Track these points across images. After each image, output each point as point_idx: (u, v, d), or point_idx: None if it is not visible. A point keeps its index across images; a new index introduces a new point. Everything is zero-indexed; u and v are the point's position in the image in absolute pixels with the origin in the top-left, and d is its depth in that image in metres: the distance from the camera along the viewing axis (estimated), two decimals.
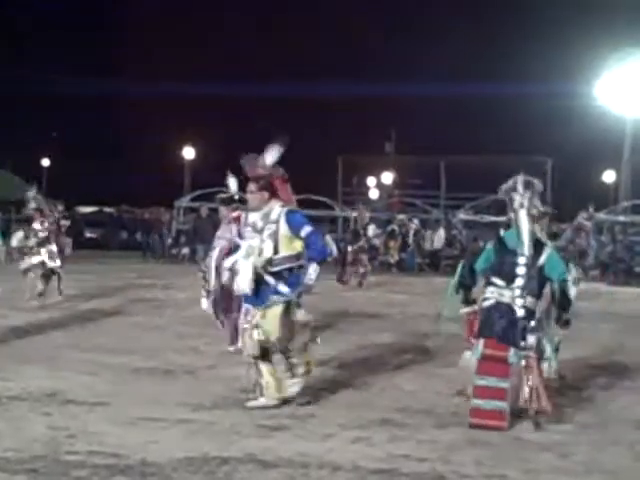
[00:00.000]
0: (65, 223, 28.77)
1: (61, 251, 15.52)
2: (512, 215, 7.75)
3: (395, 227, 30.90)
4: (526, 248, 7.53)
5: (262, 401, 7.77)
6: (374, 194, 42.64)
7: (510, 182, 7.84)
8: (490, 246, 7.81)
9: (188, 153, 42.61)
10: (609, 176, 39.76)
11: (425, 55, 42.76)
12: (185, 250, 28.68)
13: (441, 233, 30.66)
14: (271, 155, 8.25)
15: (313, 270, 7.79)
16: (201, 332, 12.10)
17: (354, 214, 26.93)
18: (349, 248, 21.67)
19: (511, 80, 38.76)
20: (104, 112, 44.18)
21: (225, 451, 6.25)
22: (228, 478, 5.69)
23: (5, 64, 40.74)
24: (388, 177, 40.88)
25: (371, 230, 23.38)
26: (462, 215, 32.52)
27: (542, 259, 7.56)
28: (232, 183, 10.58)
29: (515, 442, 6.86)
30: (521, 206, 7.68)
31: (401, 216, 32.42)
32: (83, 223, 34.60)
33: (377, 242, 31.31)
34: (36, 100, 44.35)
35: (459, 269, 8.03)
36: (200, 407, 7.63)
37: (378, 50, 44.79)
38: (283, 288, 7.78)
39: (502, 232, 7.98)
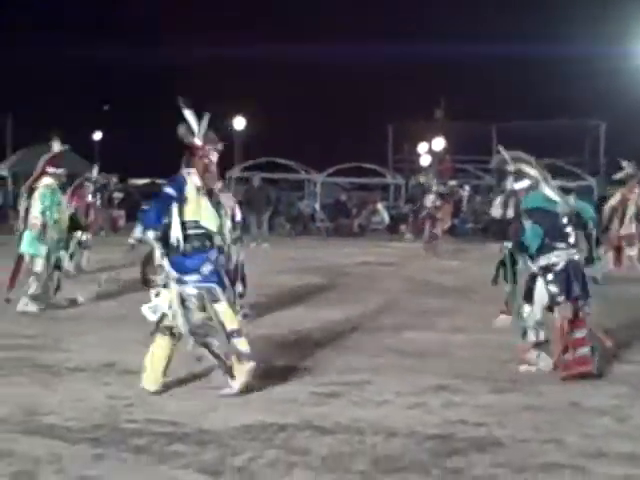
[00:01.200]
0: (118, 196, 29.02)
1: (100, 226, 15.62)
2: (531, 182, 8.17)
3: (447, 193, 30.72)
4: (563, 206, 7.93)
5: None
6: (425, 161, 42.43)
7: (504, 155, 8.43)
8: (530, 224, 7.87)
9: (239, 123, 42.70)
10: None
11: (472, 20, 42.30)
12: None
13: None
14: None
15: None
16: (252, 301, 12.18)
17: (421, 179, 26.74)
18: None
19: (561, 42, 38.25)
20: (155, 82, 44.32)
21: (282, 418, 6.31)
22: (285, 444, 5.75)
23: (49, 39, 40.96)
24: (439, 143, 40.59)
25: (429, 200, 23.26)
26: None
27: (574, 206, 8.04)
28: None
29: (572, 407, 6.84)
30: (536, 172, 8.14)
31: (452, 182, 32.22)
32: (138, 195, 34.91)
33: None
34: (85, 73, 44.67)
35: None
36: (255, 375, 7.69)
37: (426, 15, 44.34)
38: None
39: (524, 202, 8.19)
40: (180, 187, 7.29)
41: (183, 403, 6.75)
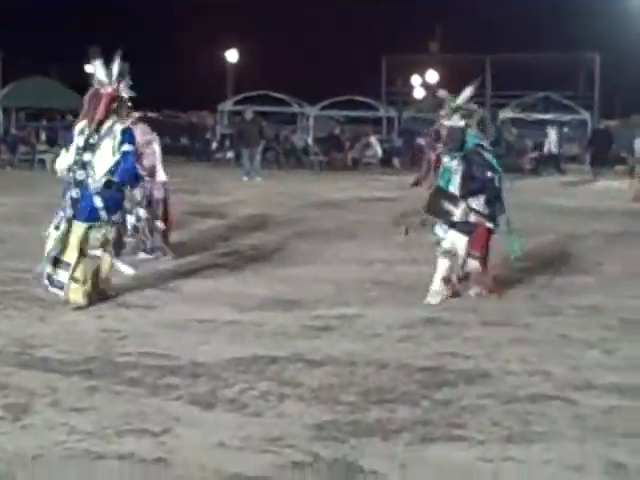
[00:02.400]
0: None
1: None
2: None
3: (439, 128, 30.57)
4: None
5: None
6: (419, 94, 42.15)
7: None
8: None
9: (231, 56, 42.29)
10: None
11: None
12: (230, 154, 28.70)
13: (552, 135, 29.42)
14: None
15: None
16: (246, 235, 12.23)
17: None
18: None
19: None
20: (147, 17, 43.80)
21: (273, 351, 6.38)
22: (277, 377, 5.82)
23: None
24: (433, 76, 40.26)
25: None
26: (509, 113, 32.09)
27: None
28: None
29: (560, 339, 6.91)
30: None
31: None
32: None
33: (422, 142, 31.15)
34: (78, 6, 44.07)
35: None
36: (247, 309, 7.76)
37: None
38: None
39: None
40: None
41: (176, 336, 6.81)
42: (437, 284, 8.14)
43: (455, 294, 8.27)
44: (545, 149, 28.93)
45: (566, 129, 31.47)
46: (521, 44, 35.46)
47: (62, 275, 7.71)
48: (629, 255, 11.06)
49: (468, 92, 8.31)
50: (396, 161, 29.49)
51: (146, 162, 10.13)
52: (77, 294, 7.70)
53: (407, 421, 5.03)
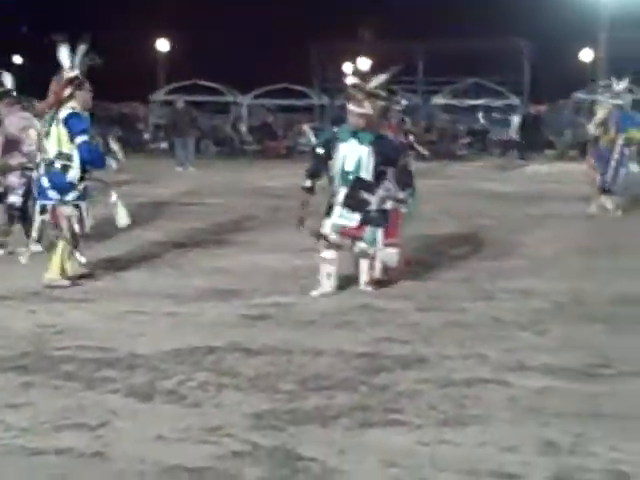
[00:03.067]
0: None
1: None
2: None
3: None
4: None
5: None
6: (351, 81, 42.29)
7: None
8: None
9: (162, 45, 41.97)
10: (586, 55, 39.43)
11: None
12: (164, 144, 28.53)
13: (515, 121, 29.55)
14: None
15: None
16: (182, 226, 12.19)
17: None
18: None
19: None
20: (75, 6, 43.20)
21: (210, 341, 6.38)
22: (215, 367, 5.82)
23: None
24: (364, 63, 40.40)
25: None
26: (441, 100, 32.37)
27: None
28: (7, 79, 10.25)
29: (494, 322, 7.02)
30: None
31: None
32: None
33: None
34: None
35: None
36: (184, 300, 7.75)
37: None
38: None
39: None
40: None
41: (113, 329, 6.77)
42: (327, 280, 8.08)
43: (388, 281, 8.30)
44: (507, 135, 29.23)
45: (496, 114, 31.86)
46: (452, 31, 35.77)
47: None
48: (560, 238, 11.27)
49: (381, 78, 8.19)
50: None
51: (25, 148, 9.91)
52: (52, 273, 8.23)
53: (345, 407, 5.08)
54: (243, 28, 41.10)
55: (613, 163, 13.81)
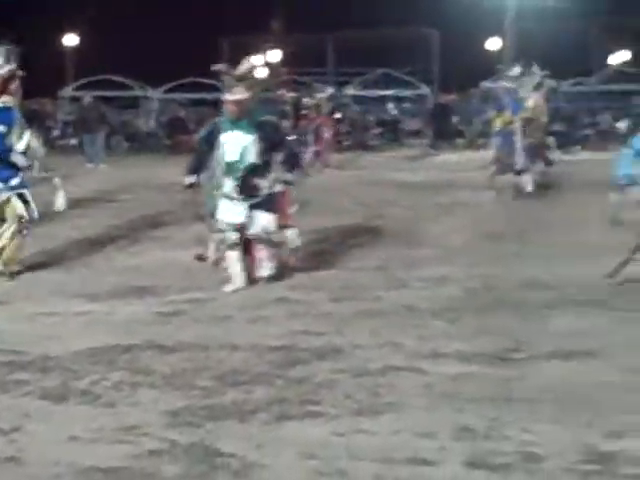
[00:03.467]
0: None
1: None
2: None
3: (286, 107, 30.74)
4: None
5: None
6: (262, 73, 42.21)
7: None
8: None
9: (70, 40, 41.26)
10: (493, 44, 39.95)
11: None
12: (73, 141, 28.11)
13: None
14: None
15: None
16: (95, 224, 12.05)
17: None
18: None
19: None
20: None
21: (124, 340, 6.31)
22: (129, 365, 5.77)
23: None
24: (276, 55, 40.36)
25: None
26: (351, 91, 32.51)
27: None
28: None
29: (407, 310, 7.10)
30: None
31: (291, 94, 32.23)
32: None
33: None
34: None
35: None
36: (97, 298, 7.66)
37: None
38: None
39: None
40: None
41: (24, 331, 6.66)
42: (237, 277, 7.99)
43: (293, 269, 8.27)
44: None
45: (407, 104, 32.16)
46: (362, 21, 35.91)
47: None
48: (469, 226, 11.43)
49: (249, 63, 8.16)
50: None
51: None
52: None
53: (262, 401, 5.08)
54: (153, 21, 40.67)
55: (517, 144, 14.19)
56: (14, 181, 8.56)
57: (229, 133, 7.94)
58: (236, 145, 7.89)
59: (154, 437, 4.58)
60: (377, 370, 5.59)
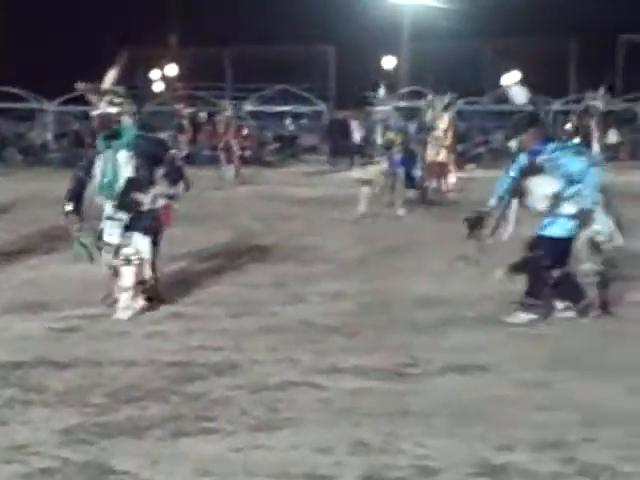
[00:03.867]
0: None
1: None
2: None
3: (184, 122, 30.60)
4: None
5: None
6: (159, 87, 41.94)
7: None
8: None
9: None
10: (388, 62, 40.50)
11: None
12: None
13: None
14: None
15: None
16: None
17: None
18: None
19: None
20: None
21: (17, 356, 6.19)
22: (21, 382, 5.65)
23: None
24: (172, 69, 40.14)
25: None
26: (249, 106, 32.52)
27: None
28: None
29: (305, 326, 7.12)
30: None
31: (188, 110, 32.10)
32: None
33: (165, 136, 30.94)
34: None
35: None
36: None
37: None
38: None
39: None
40: None
41: None
42: (124, 299, 7.52)
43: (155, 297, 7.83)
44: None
45: (304, 120, 32.32)
46: (260, 37, 36.00)
47: None
48: (364, 241, 11.53)
49: (111, 75, 7.87)
50: None
51: None
52: None
53: (157, 417, 5.03)
54: (50, 33, 40.05)
55: (418, 162, 14.60)
56: None
57: (104, 153, 7.67)
58: (110, 163, 7.60)
59: (45, 456, 4.49)
60: (275, 385, 5.59)
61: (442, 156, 17.15)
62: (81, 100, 33.50)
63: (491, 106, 28.40)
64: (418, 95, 32.19)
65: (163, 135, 31.13)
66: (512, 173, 7.46)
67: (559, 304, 7.36)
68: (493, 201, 7.54)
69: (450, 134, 17.54)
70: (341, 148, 26.87)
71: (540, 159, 7.31)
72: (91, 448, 4.59)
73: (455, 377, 5.79)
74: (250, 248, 11.00)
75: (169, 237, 11.64)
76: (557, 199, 7.21)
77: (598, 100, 15.54)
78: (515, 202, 7.42)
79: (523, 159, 7.44)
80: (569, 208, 7.20)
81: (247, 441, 4.68)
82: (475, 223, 7.51)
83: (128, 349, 6.43)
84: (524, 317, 7.22)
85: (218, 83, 35.66)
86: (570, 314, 7.30)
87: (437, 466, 4.34)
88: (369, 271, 9.42)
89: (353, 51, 36.19)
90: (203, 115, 31.80)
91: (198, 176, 23.48)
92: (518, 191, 7.38)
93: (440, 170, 17.17)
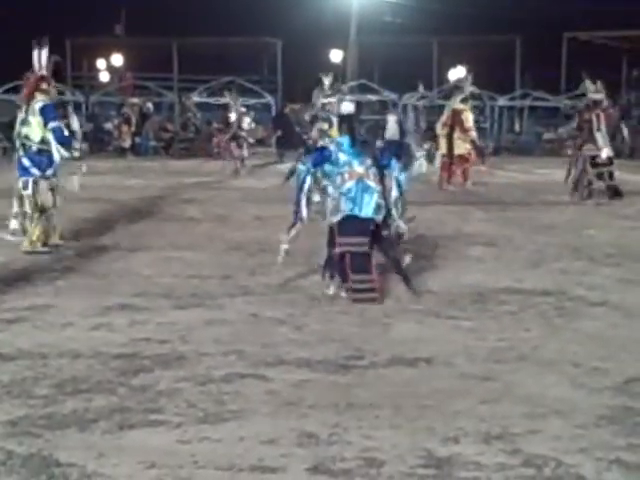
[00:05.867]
0: None
1: None
2: None
3: (128, 111, 30.38)
4: None
5: None
6: (105, 77, 41.57)
7: None
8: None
9: None
10: (336, 56, 40.55)
11: None
12: None
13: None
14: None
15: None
16: None
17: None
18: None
19: None
20: None
21: None
22: None
23: None
24: (118, 59, 39.78)
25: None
26: (196, 97, 32.36)
27: None
28: None
29: (252, 318, 7.12)
30: None
31: (134, 100, 31.87)
32: None
33: (110, 127, 30.72)
34: None
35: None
36: None
37: None
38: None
39: None
40: None
41: None
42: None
43: None
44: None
45: (252, 113, 32.21)
46: (208, 29, 35.81)
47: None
48: (312, 232, 11.51)
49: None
50: (84, 146, 28.89)
51: None
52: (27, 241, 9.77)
53: (104, 409, 5.01)
54: None
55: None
56: (49, 172, 9.94)
57: None
58: None
59: None
60: (221, 378, 5.59)
61: (466, 148, 17.81)
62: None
63: (438, 101, 28.51)
64: (366, 89, 32.42)
65: (108, 125, 31.18)
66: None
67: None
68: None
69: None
70: (288, 141, 26.86)
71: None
72: (36, 440, 4.56)
73: (401, 369, 5.84)
74: (198, 239, 10.98)
75: (120, 230, 11.64)
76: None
77: (600, 93, 15.67)
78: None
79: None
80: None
81: (194, 433, 4.68)
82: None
83: (74, 340, 6.38)
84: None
85: (165, 74, 35.41)
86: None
87: (383, 458, 4.38)
88: (313, 262, 9.41)
89: (301, 44, 36.18)
90: (149, 106, 31.60)
91: (144, 167, 23.51)
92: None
93: (463, 162, 17.86)
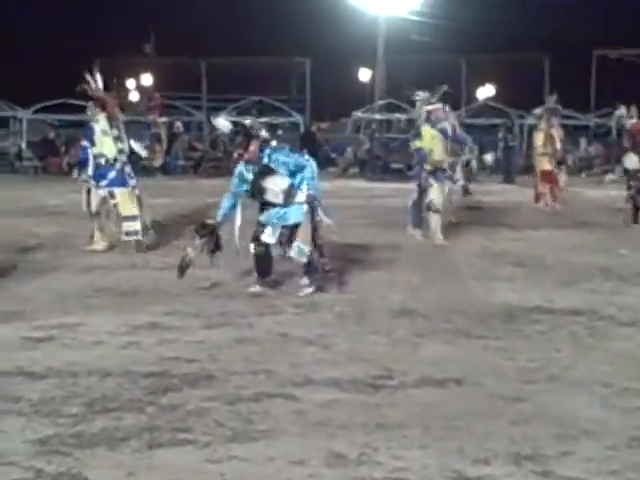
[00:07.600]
0: None
1: None
2: None
3: (159, 130, 30.54)
4: None
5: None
6: (134, 97, 41.88)
7: None
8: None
9: None
10: (364, 75, 40.60)
11: None
12: None
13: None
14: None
15: None
16: None
17: None
18: None
19: None
20: None
21: None
22: None
23: None
24: (148, 79, 40.06)
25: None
26: (225, 117, 32.48)
27: None
28: None
29: (281, 337, 7.12)
30: None
31: (164, 119, 32.05)
32: None
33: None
34: None
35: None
36: None
37: None
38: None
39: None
40: None
41: None
42: None
43: None
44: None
45: (280, 131, 32.32)
46: (236, 48, 36.01)
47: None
48: (339, 253, 11.52)
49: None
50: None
51: None
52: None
53: (133, 428, 5.01)
54: (24, 40, 39.88)
55: None
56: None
57: None
58: None
59: (20, 466, 4.47)
60: (250, 397, 5.58)
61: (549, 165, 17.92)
62: (55, 108, 33.28)
63: (467, 120, 28.48)
64: (394, 107, 32.42)
65: (138, 144, 31.27)
66: (233, 189, 8.75)
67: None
68: (219, 216, 8.83)
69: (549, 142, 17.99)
70: (314, 158, 26.91)
71: (264, 162, 8.57)
72: (66, 459, 4.57)
73: (430, 390, 5.81)
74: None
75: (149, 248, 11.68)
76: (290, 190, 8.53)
77: (635, 118, 15.73)
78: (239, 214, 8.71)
79: (242, 170, 8.69)
80: (300, 196, 8.55)
81: (223, 452, 4.68)
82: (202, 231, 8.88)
83: (104, 359, 6.40)
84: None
85: (194, 93, 35.61)
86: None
87: (413, 478, 4.35)
88: (344, 282, 9.42)
89: (329, 63, 36.29)
90: (178, 125, 31.76)
91: (171, 186, 23.62)
92: (257, 192, 8.59)
93: (552, 179, 17.94)
